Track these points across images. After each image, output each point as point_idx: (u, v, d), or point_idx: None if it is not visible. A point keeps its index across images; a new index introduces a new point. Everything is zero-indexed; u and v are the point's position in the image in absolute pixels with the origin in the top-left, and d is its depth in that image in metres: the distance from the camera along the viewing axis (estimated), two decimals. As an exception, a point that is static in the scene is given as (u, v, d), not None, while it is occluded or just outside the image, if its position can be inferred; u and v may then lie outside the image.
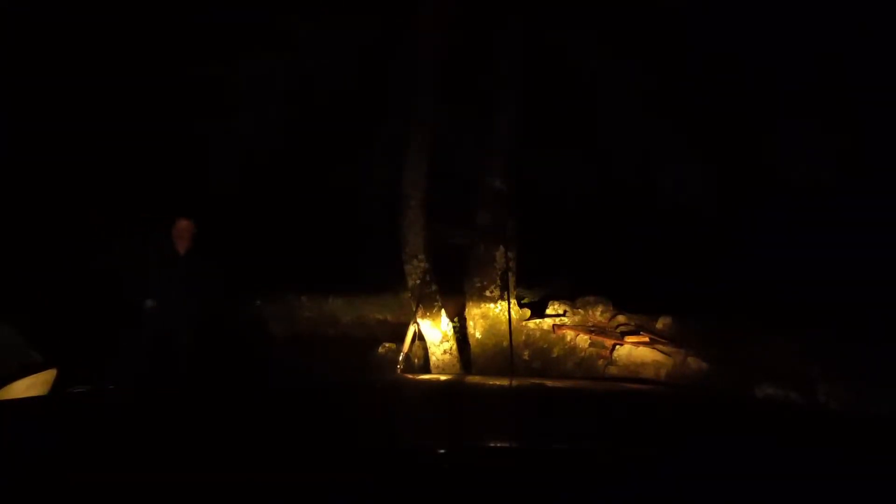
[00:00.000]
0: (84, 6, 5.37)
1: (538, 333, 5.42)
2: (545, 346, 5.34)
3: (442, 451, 1.08)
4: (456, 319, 5.25)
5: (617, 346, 4.94)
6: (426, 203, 4.82)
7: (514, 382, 2.36)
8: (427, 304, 4.79)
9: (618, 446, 1.19)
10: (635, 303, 5.70)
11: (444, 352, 4.84)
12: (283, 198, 6.89)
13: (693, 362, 4.69)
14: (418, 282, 4.79)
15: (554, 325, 5.42)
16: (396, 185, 4.91)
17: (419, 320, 4.81)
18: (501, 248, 5.03)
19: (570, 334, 5.29)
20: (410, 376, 4.15)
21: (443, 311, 4.87)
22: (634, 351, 4.85)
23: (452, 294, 5.18)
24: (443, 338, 4.84)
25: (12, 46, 5.42)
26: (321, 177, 6.68)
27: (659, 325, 5.38)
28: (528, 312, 5.58)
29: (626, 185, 6.47)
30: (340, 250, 6.83)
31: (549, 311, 5.67)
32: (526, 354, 5.30)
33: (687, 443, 1.25)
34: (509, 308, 4.94)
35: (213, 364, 4.79)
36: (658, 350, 4.85)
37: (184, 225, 4.66)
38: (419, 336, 4.86)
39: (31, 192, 5.96)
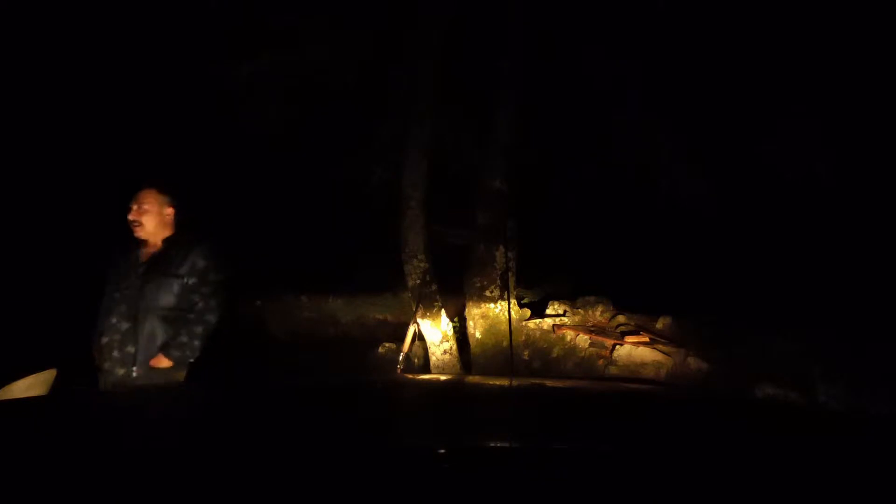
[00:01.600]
0: (83, 5, 5.37)
1: (538, 333, 5.42)
2: (545, 346, 5.34)
3: (442, 451, 1.08)
4: (456, 319, 5.25)
5: (617, 346, 4.94)
6: (426, 203, 4.82)
7: (514, 382, 2.36)
8: (427, 304, 4.79)
9: (618, 446, 1.19)
10: (635, 303, 5.70)
11: (444, 352, 4.84)
12: (283, 198, 6.90)
13: (693, 362, 4.69)
14: (418, 282, 4.79)
15: (554, 325, 5.42)
16: (396, 185, 4.91)
17: (419, 320, 4.81)
18: (501, 248, 5.03)
19: (570, 334, 5.29)
20: (410, 376, 4.15)
21: (443, 311, 4.87)
22: (634, 351, 4.85)
23: (452, 294, 5.18)
24: (443, 338, 4.84)
25: (11, 46, 5.42)
26: (321, 177, 6.68)
27: (659, 325, 5.39)
28: (528, 312, 5.58)
29: (626, 185, 6.47)
30: (340, 250, 6.83)
31: (549, 311, 5.67)
32: (526, 354, 5.30)
33: (687, 443, 1.25)
34: (509, 308, 4.94)
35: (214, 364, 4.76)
36: (658, 350, 4.85)
37: (145, 199, 2.73)
38: (419, 336, 4.86)
39: (30, 191, 5.96)
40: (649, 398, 1.92)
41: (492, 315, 5.00)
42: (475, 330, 5.02)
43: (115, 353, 2.66)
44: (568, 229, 6.63)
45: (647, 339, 5.00)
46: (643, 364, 4.78)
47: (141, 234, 2.76)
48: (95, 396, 1.87)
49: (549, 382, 2.45)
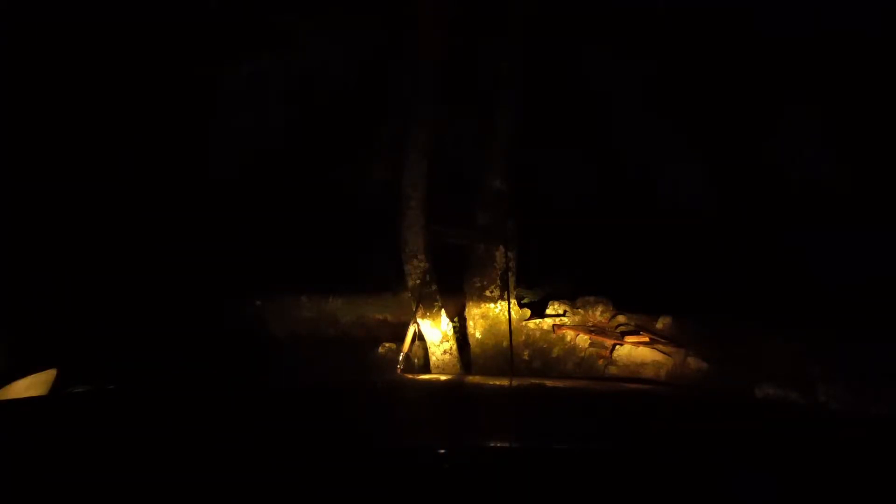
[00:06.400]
0: (81, 4, 5.37)
1: (538, 333, 5.42)
2: (545, 346, 5.34)
3: (442, 451, 1.08)
4: (456, 319, 5.25)
5: (617, 346, 4.94)
6: (426, 203, 4.82)
7: (514, 382, 2.36)
8: (427, 304, 4.79)
9: (618, 446, 1.19)
10: (635, 303, 5.69)
11: (444, 352, 4.84)
12: (282, 198, 6.89)
13: (693, 362, 4.69)
14: (418, 282, 4.79)
15: (554, 325, 5.42)
16: (396, 185, 4.90)
17: (419, 320, 4.81)
18: (501, 248, 5.03)
19: (570, 334, 5.29)
20: (410, 376, 4.15)
21: (443, 311, 4.87)
22: (634, 351, 4.85)
23: (452, 294, 5.17)
24: (443, 338, 4.84)
25: (11, 45, 5.42)
26: (321, 177, 6.68)
27: (659, 325, 5.38)
28: (528, 312, 5.57)
29: (627, 185, 6.47)
30: (340, 250, 6.82)
31: (549, 311, 5.67)
32: (526, 354, 5.30)
33: (687, 443, 1.25)
34: (509, 308, 4.95)
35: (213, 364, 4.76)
36: (658, 350, 4.85)
37: None
38: (419, 336, 4.86)
39: (29, 190, 5.96)
40: (649, 398, 1.92)
41: (492, 315, 5.00)
42: (475, 330, 5.02)
43: None
44: (568, 229, 6.62)
45: (647, 339, 5.00)
46: (643, 364, 4.78)
47: None
48: (95, 396, 1.86)
49: (549, 382, 2.45)
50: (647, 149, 6.02)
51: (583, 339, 5.19)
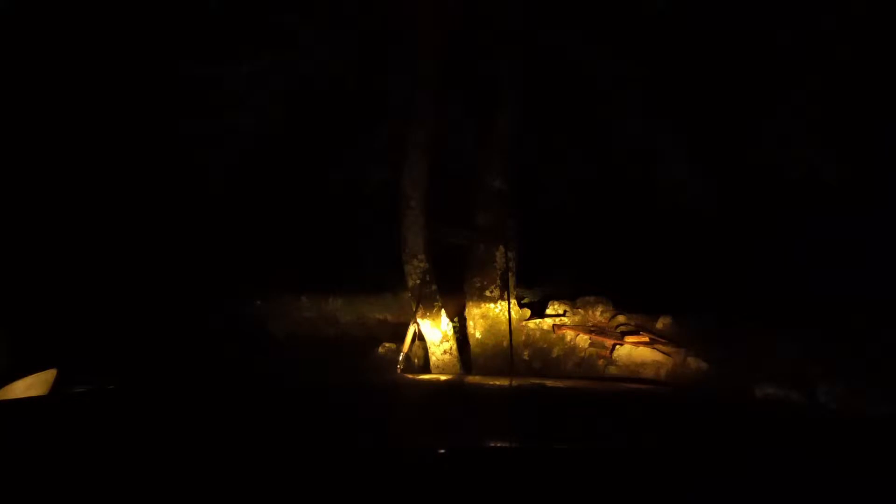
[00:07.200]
0: (79, 4, 5.37)
1: (538, 333, 5.42)
2: (545, 346, 5.34)
3: (442, 451, 1.08)
4: (456, 319, 5.25)
5: (617, 346, 4.94)
6: (426, 203, 4.82)
7: (514, 382, 2.36)
8: (427, 304, 4.79)
9: (618, 446, 1.19)
10: (635, 303, 5.70)
11: (444, 352, 4.84)
12: (282, 198, 6.90)
13: (693, 362, 4.69)
14: (418, 282, 4.79)
15: (554, 325, 5.42)
16: (396, 185, 4.90)
17: (419, 320, 4.81)
18: (501, 248, 5.03)
19: (570, 334, 5.29)
20: (410, 376, 4.15)
21: (443, 311, 4.87)
22: (634, 351, 4.85)
23: (452, 294, 5.18)
24: (443, 338, 4.84)
25: (8, 44, 5.41)
26: (320, 177, 6.68)
27: (659, 325, 5.39)
28: (528, 312, 5.58)
29: (627, 185, 6.47)
30: (340, 250, 6.83)
31: (549, 311, 5.67)
32: (526, 354, 5.30)
33: (687, 442, 1.25)
34: (509, 308, 4.95)
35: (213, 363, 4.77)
36: (658, 350, 4.85)
37: None
38: (419, 336, 4.86)
39: (28, 192, 5.96)
40: (649, 398, 1.92)
41: (492, 315, 4.99)
42: (475, 330, 5.02)
43: None
44: (568, 229, 6.63)
45: (647, 339, 5.00)
46: (643, 364, 4.78)
47: None
48: (95, 396, 1.86)
49: (549, 382, 2.45)
50: (647, 148, 6.01)
51: (583, 339, 5.19)
